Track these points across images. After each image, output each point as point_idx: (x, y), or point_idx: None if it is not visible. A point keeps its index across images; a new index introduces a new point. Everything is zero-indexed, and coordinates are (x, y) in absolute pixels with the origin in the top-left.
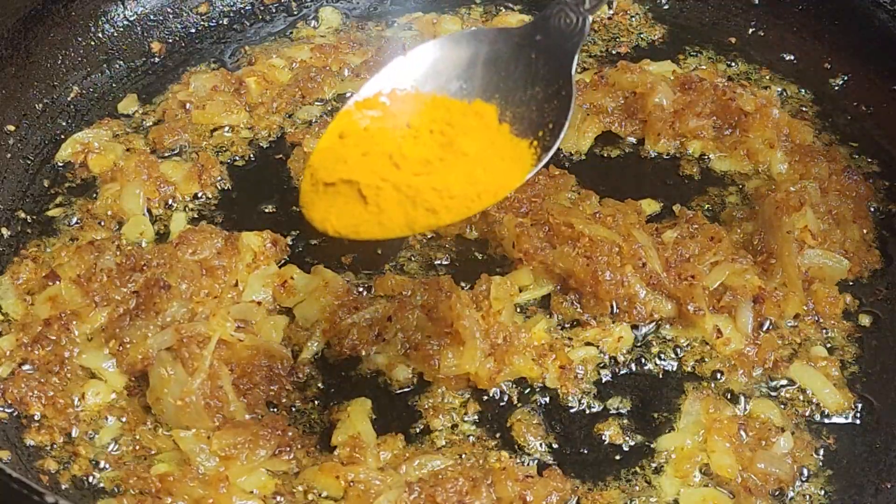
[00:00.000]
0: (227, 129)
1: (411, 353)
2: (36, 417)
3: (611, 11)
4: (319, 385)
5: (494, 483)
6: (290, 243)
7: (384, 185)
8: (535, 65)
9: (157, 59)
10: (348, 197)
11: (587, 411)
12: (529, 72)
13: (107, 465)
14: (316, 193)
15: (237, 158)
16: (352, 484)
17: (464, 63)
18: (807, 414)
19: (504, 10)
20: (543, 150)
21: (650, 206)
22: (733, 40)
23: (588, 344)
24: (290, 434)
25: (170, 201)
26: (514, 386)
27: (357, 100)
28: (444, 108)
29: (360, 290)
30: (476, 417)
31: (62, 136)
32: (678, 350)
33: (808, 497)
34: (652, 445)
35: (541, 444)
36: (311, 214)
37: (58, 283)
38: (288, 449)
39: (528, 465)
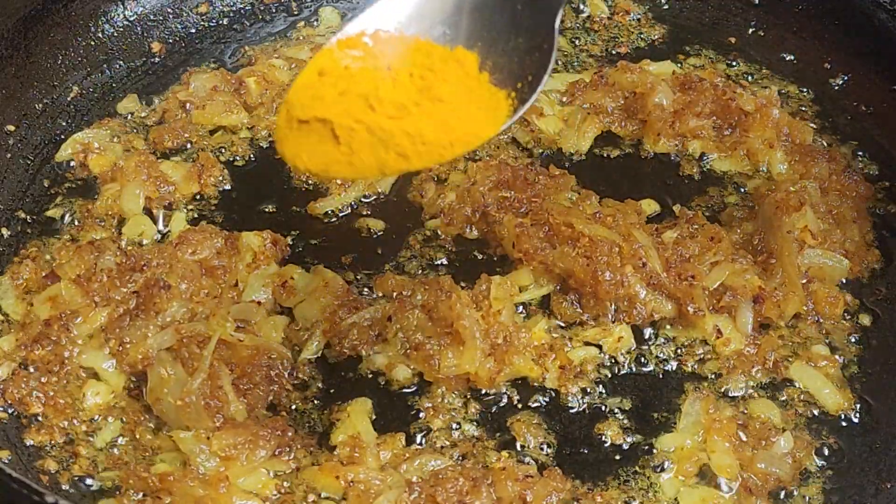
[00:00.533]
0: (227, 129)
1: (411, 353)
2: (36, 417)
3: (611, 11)
4: (319, 385)
5: (494, 483)
6: (290, 243)
7: (357, 126)
8: (520, 16)
9: (157, 59)
10: (321, 135)
11: (587, 411)
12: (513, 22)
13: (107, 466)
14: (290, 130)
15: (237, 158)
16: (352, 484)
17: (449, 9)
18: (807, 414)
19: None
20: (520, 103)
21: (650, 206)
22: (733, 40)
23: (588, 344)
24: (289, 434)
25: (170, 201)
26: (514, 386)
27: (339, 38)
28: (425, 53)
29: (360, 290)
30: (476, 417)
31: (62, 136)
32: (678, 350)
33: (807, 497)
34: (652, 445)
35: (541, 444)
36: (282, 150)
37: (58, 283)
38: (288, 449)
39: (528, 464)
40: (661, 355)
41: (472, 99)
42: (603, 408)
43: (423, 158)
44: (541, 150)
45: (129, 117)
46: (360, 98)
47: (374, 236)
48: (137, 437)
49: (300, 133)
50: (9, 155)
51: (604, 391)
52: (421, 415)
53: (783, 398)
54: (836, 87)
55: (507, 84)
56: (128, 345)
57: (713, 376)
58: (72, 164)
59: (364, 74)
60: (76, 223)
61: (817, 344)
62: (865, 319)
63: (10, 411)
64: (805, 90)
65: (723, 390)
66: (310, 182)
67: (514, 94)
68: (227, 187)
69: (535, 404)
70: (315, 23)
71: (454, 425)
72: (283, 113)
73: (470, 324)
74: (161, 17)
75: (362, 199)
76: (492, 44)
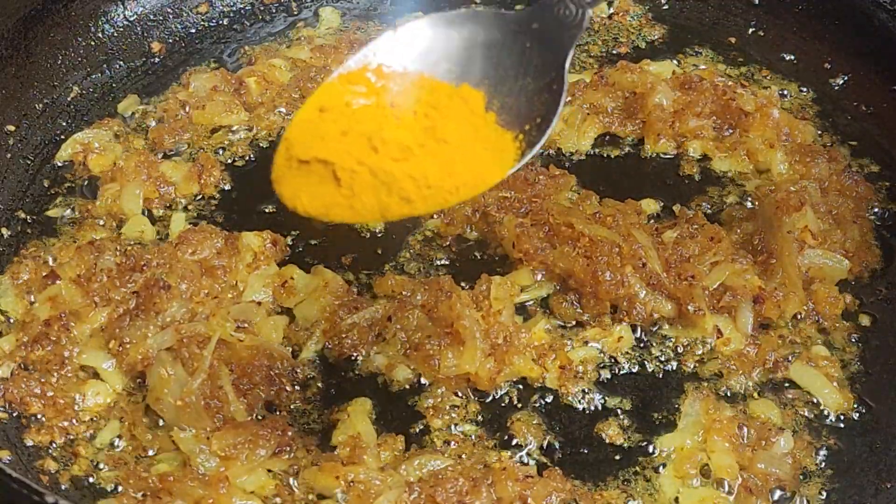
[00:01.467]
0: (227, 129)
1: (411, 353)
2: (36, 417)
3: (611, 11)
4: (319, 385)
5: (494, 483)
6: (290, 243)
7: (360, 168)
8: (529, 53)
9: (157, 59)
10: (322, 177)
11: (587, 411)
12: (522, 60)
13: (107, 466)
14: (289, 169)
15: (237, 158)
16: (352, 484)
17: (455, 44)
18: (807, 414)
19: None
20: (528, 146)
21: (650, 206)
22: (733, 40)
23: (588, 344)
24: (289, 434)
25: (170, 201)
26: (514, 386)
27: (342, 72)
28: (429, 90)
29: (360, 290)
30: (476, 417)
31: (62, 136)
32: (678, 350)
33: (807, 497)
34: (652, 445)
35: (541, 444)
36: (281, 190)
37: (58, 283)
38: (288, 449)
39: (528, 464)
40: (661, 355)
41: (478, 139)
42: (603, 408)
43: (428, 203)
44: (541, 151)
45: (129, 117)
46: (363, 138)
47: (375, 236)
48: (137, 437)
49: (300, 173)
50: (9, 155)
51: (604, 391)
52: (421, 415)
53: (783, 398)
54: (836, 87)
55: (515, 126)
56: (128, 345)
57: (713, 376)
58: (72, 164)
59: (366, 112)
60: (76, 223)
61: (817, 344)
62: (865, 319)
63: (10, 411)
64: (805, 90)
65: (723, 390)
66: None
67: (522, 136)
68: (227, 187)
69: (536, 404)
70: (315, 23)
71: (454, 425)
72: (281, 151)
73: (470, 324)
74: (161, 17)
75: None
76: (499, 83)
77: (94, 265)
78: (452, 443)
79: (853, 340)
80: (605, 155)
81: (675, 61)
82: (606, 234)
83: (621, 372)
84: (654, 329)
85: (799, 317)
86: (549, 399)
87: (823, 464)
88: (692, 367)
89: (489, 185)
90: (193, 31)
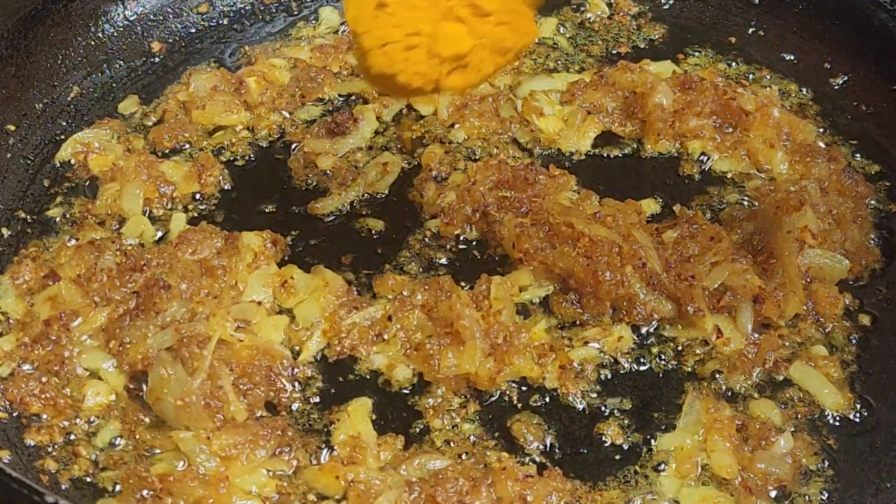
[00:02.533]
0: (227, 129)
1: (411, 353)
2: (36, 417)
3: (611, 11)
4: (319, 385)
5: (494, 483)
6: (290, 243)
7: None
8: None
9: (157, 59)
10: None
11: (587, 411)
12: None
13: (107, 466)
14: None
15: (237, 158)
16: (352, 484)
17: None
18: (807, 414)
19: None
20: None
21: (650, 206)
22: (733, 40)
23: (588, 344)
24: (290, 434)
25: (170, 201)
26: (514, 386)
27: None
28: None
29: (360, 290)
30: (476, 417)
31: (62, 136)
32: (678, 350)
33: (808, 497)
34: (652, 445)
35: (541, 444)
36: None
37: (58, 283)
38: (288, 449)
39: (528, 465)
40: (661, 355)
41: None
42: (603, 408)
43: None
44: (541, 150)
45: (129, 117)
46: (423, 52)
47: (374, 236)
48: (137, 437)
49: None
50: (9, 155)
51: (604, 391)
52: (421, 415)
53: (783, 398)
54: (836, 87)
55: None
56: (128, 345)
57: (713, 376)
58: (72, 164)
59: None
60: (76, 223)
61: (817, 344)
62: (865, 319)
63: (10, 411)
64: (805, 90)
65: (723, 390)
66: (310, 182)
67: None
68: (227, 187)
69: (535, 404)
70: (315, 23)
71: (454, 425)
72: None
73: (470, 324)
74: (161, 17)
75: (362, 199)
76: None
77: (94, 265)
78: (452, 443)
79: (853, 340)
80: (605, 155)
81: (675, 61)
82: (606, 234)
83: (621, 372)
84: (654, 329)
85: (799, 317)
86: (549, 399)
87: (823, 464)
88: (692, 367)
89: (532, 40)
90: (193, 31)
